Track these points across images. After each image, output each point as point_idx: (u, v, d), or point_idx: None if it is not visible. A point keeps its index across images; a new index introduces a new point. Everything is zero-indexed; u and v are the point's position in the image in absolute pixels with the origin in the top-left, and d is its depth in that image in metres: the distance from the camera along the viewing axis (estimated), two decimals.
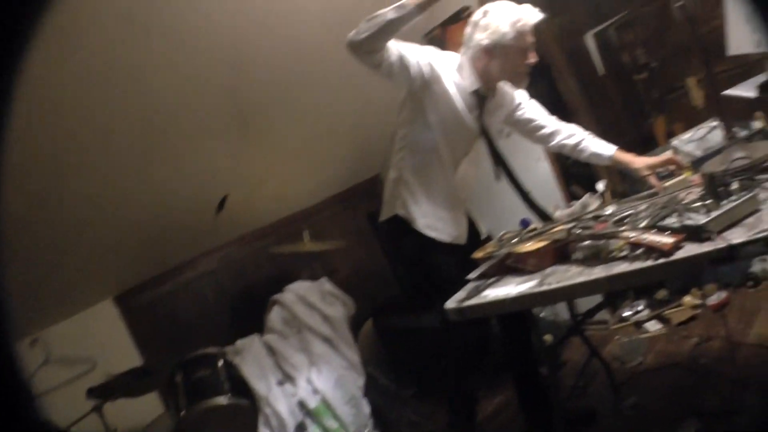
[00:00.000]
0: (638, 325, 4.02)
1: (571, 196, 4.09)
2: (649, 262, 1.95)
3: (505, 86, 3.00)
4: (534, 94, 3.11)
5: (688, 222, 1.97)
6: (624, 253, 2.11)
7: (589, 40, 4.29)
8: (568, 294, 2.30)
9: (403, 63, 2.64)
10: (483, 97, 2.87)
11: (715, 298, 3.72)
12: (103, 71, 3.03)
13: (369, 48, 2.52)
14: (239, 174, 4.21)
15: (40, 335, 3.70)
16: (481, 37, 2.73)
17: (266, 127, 4.11)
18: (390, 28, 2.47)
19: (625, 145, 3.04)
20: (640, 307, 4.15)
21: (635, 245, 2.04)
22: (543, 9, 2.72)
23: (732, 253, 1.77)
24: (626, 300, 4.26)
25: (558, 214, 2.87)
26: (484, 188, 3.34)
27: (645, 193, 2.85)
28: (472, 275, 2.52)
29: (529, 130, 3.11)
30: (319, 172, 4.85)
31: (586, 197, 2.85)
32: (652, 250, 1.97)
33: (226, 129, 3.87)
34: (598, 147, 3.00)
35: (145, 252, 4.09)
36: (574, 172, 4.35)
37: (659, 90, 4.28)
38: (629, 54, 4.29)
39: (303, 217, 4.83)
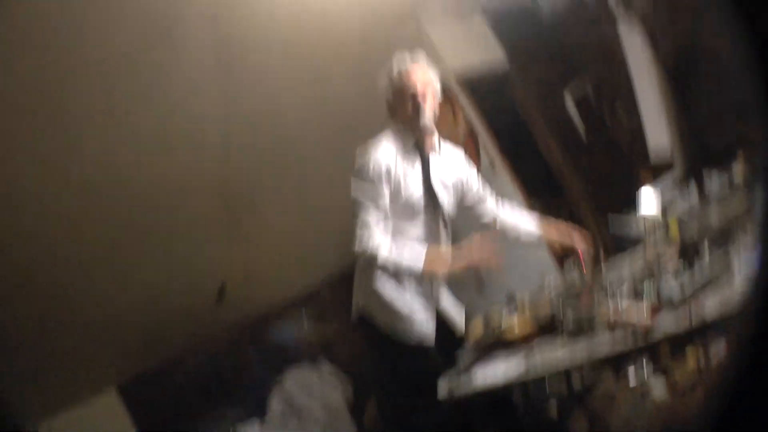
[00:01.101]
0: (643, 386, 3.95)
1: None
2: (629, 343, 2.12)
3: (451, 149, 3.01)
4: (517, 158, 3.10)
5: (664, 292, 2.00)
6: None
7: (567, 99, 4.33)
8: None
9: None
10: (426, 157, 2.82)
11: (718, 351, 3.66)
12: (94, 176, 3.14)
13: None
14: (234, 262, 4.24)
15: (41, 426, 3.68)
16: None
17: (257, 215, 4.18)
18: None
19: (615, 203, 3.05)
20: (644, 368, 4.07)
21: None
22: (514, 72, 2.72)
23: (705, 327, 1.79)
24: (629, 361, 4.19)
25: (546, 281, 2.88)
26: None
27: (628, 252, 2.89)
28: (461, 362, 2.54)
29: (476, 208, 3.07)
30: (312, 255, 4.85)
31: (570, 274, 2.84)
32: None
33: (218, 219, 3.93)
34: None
35: (146, 341, 4.10)
36: None
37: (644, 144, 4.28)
38: (609, 111, 4.30)
39: (301, 299, 4.84)
